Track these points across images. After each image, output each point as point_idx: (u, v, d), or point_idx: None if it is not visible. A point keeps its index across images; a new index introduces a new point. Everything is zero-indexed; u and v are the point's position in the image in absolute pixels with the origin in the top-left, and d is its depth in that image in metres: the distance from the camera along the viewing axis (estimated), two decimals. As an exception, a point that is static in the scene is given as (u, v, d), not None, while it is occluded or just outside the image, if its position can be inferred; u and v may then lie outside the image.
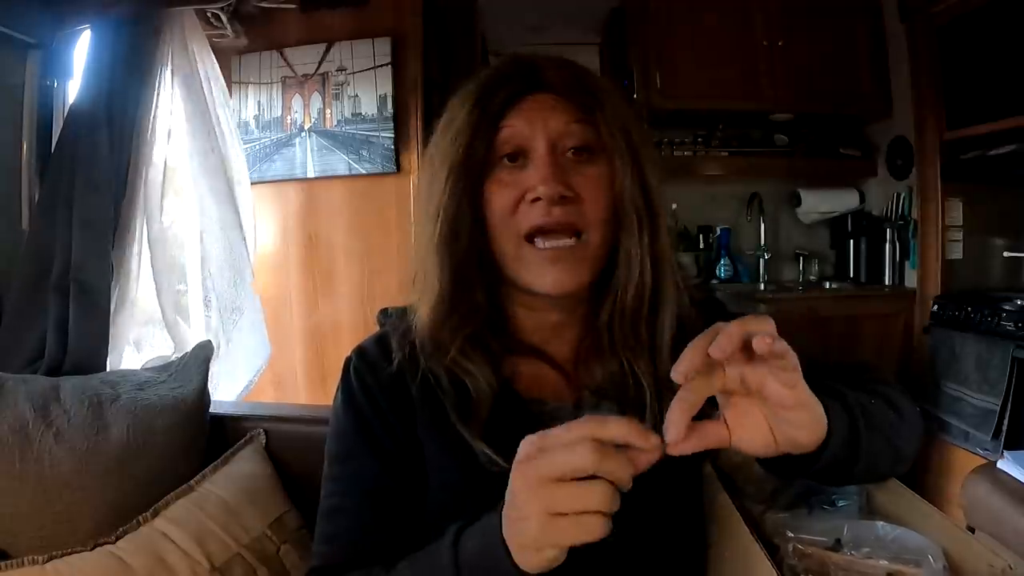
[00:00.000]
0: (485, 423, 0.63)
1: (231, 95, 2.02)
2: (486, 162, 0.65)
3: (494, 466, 0.59)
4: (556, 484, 0.43)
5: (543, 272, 0.63)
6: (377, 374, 0.68)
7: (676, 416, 0.44)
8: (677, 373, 0.43)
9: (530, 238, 0.63)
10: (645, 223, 0.64)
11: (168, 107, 1.51)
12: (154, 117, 1.45)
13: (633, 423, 0.44)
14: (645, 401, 0.65)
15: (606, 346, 0.68)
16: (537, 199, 0.61)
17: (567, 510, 0.43)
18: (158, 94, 1.46)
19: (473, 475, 0.62)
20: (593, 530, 0.43)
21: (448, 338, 0.65)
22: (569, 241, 0.62)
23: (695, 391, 0.45)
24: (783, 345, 0.43)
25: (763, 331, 0.42)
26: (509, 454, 0.61)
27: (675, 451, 0.44)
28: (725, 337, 0.42)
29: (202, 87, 1.55)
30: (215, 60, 1.62)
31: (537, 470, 0.44)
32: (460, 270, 0.64)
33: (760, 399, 0.46)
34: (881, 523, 0.55)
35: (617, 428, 0.44)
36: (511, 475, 0.47)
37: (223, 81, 1.65)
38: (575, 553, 0.63)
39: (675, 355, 0.65)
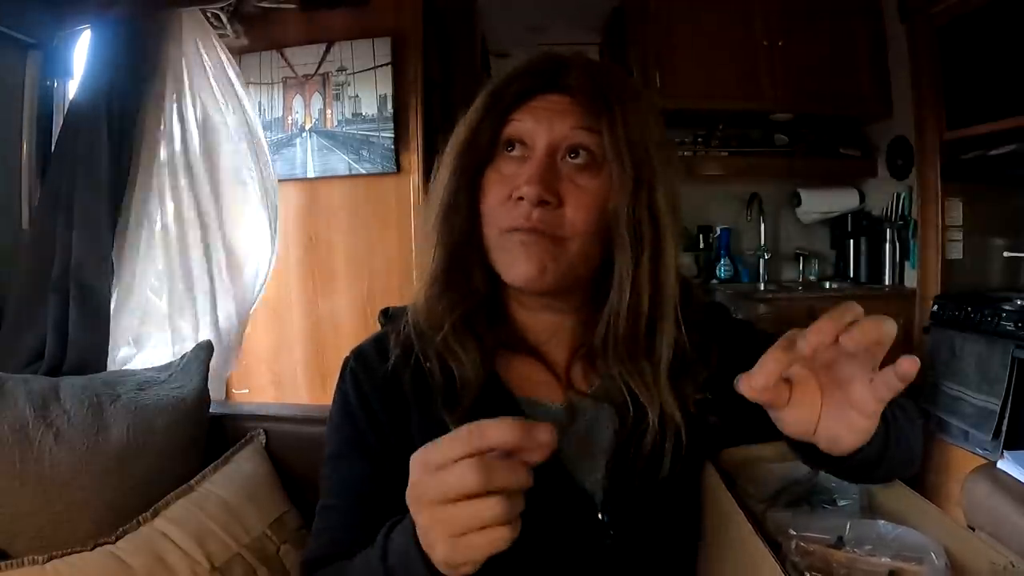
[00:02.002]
0: (475, 418, 0.63)
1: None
2: (491, 151, 0.65)
3: None
4: (451, 506, 0.42)
5: (514, 260, 0.63)
6: (372, 376, 0.68)
7: (770, 367, 0.44)
8: (807, 344, 0.42)
9: (512, 231, 0.63)
10: (646, 246, 0.62)
11: (168, 106, 1.51)
12: (154, 117, 1.45)
13: (514, 423, 0.42)
14: (642, 410, 0.64)
15: (602, 354, 0.67)
16: (521, 198, 0.61)
17: (467, 529, 0.42)
18: (158, 94, 1.46)
19: None
20: (499, 540, 0.42)
21: (442, 316, 0.65)
22: (545, 237, 0.62)
23: (794, 352, 0.44)
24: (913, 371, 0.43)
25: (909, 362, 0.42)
26: None
27: (746, 390, 0.45)
28: (876, 329, 0.42)
29: (211, 85, 1.55)
30: (222, 57, 1.61)
31: (428, 495, 0.43)
32: (456, 251, 0.65)
33: (834, 389, 0.47)
34: (883, 521, 0.55)
35: (498, 434, 0.42)
36: (407, 498, 0.45)
37: (235, 78, 1.64)
38: (573, 554, 0.63)
39: (673, 373, 0.65)
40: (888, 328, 0.42)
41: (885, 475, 0.58)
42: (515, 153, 0.64)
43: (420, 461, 0.44)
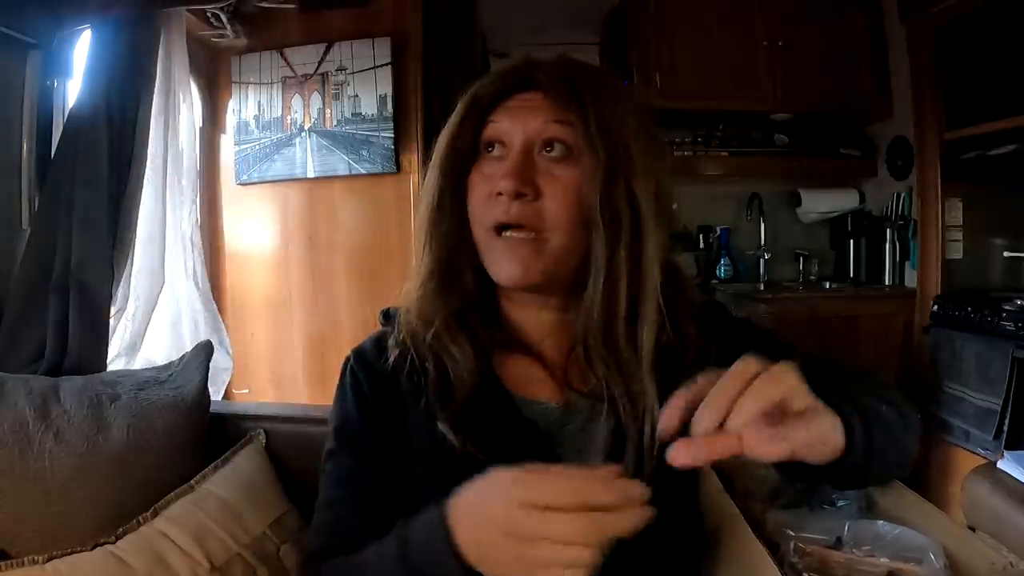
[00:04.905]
0: (472, 414, 0.64)
1: (231, 95, 2.02)
2: (474, 154, 0.67)
3: (452, 447, 0.62)
4: (542, 544, 0.44)
5: (499, 262, 0.65)
6: (371, 375, 0.70)
7: (669, 414, 0.46)
8: (699, 427, 0.44)
9: (498, 230, 0.64)
10: (623, 234, 0.62)
11: (168, 106, 1.51)
12: (154, 117, 1.45)
13: (616, 481, 0.45)
14: (636, 414, 0.64)
15: (585, 350, 0.67)
16: (500, 194, 0.63)
17: (547, 566, 0.44)
18: (158, 93, 1.46)
19: (457, 465, 0.62)
20: (577, 558, 0.44)
21: (433, 314, 0.67)
22: (528, 235, 0.63)
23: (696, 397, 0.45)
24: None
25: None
26: (493, 447, 0.62)
27: (678, 463, 0.44)
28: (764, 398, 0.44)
29: (175, 88, 1.55)
30: (187, 63, 1.61)
31: (522, 531, 0.45)
32: (445, 252, 0.67)
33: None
34: (881, 522, 0.55)
35: (607, 495, 0.45)
36: (467, 511, 0.48)
37: (192, 86, 1.63)
38: None
39: (661, 368, 0.65)
40: (773, 393, 0.44)
41: (877, 480, 0.59)
42: (495, 153, 0.66)
43: (517, 498, 0.45)
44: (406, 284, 0.70)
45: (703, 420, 0.44)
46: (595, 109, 0.63)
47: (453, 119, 0.68)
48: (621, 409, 0.64)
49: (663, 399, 0.63)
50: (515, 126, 0.65)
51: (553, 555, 0.43)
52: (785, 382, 0.44)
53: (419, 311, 0.68)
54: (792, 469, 0.52)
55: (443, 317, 0.67)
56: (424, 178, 0.72)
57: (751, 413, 0.43)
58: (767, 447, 0.44)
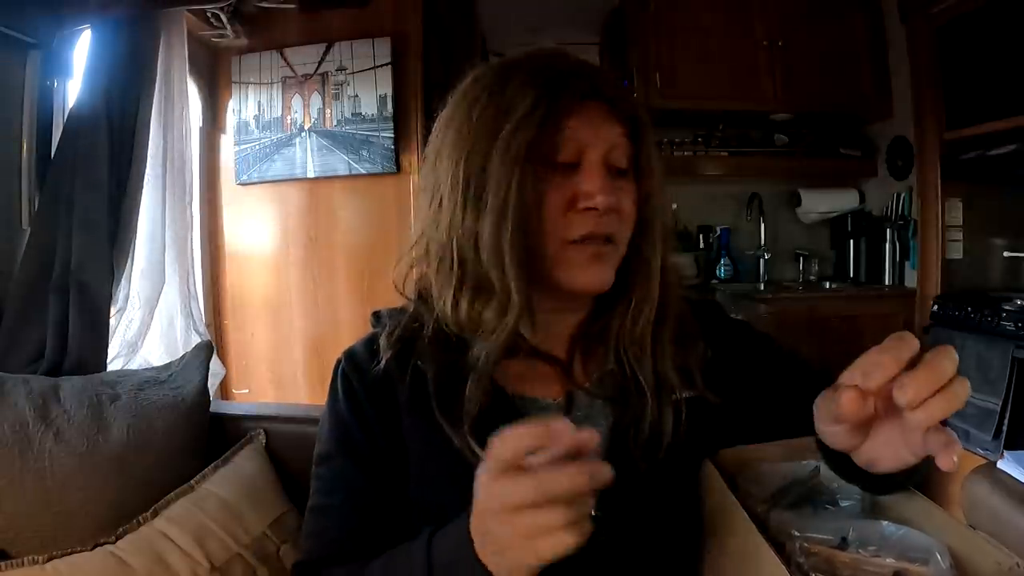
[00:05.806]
0: (481, 426, 0.63)
1: (231, 95, 2.02)
2: (543, 159, 0.63)
3: (449, 450, 0.61)
4: (516, 514, 0.45)
5: (584, 270, 0.63)
6: (364, 377, 0.69)
7: (852, 408, 0.43)
8: (903, 396, 0.40)
9: (572, 239, 0.63)
10: (665, 239, 0.68)
11: (168, 105, 1.50)
12: (154, 117, 1.45)
13: (528, 430, 0.45)
14: (642, 403, 0.65)
15: (612, 347, 0.68)
16: (591, 208, 0.61)
17: (536, 533, 0.45)
18: (158, 93, 1.45)
19: (457, 470, 0.62)
20: (565, 541, 0.45)
21: (514, 340, 0.64)
22: (606, 243, 0.64)
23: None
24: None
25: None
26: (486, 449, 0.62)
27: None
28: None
29: (175, 88, 1.55)
30: (187, 63, 1.60)
31: (492, 507, 0.47)
32: (523, 269, 0.61)
33: (892, 417, 0.45)
34: (886, 522, 0.55)
35: (512, 445, 0.45)
36: (478, 512, 0.49)
37: (191, 86, 1.63)
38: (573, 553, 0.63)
39: (676, 346, 0.67)
40: (956, 405, 0.40)
41: (903, 486, 0.59)
42: (568, 159, 0.62)
43: (487, 508, 0.47)
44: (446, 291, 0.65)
45: (905, 396, 0.40)
46: (648, 127, 0.66)
47: (527, 120, 0.60)
48: (648, 392, 0.65)
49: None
50: (592, 136, 0.62)
51: (533, 550, 0.45)
52: (962, 395, 0.41)
53: (502, 335, 0.63)
54: (837, 458, 0.52)
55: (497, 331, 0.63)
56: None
57: (934, 420, 0.41)
58: (923, 440, 0.42)
